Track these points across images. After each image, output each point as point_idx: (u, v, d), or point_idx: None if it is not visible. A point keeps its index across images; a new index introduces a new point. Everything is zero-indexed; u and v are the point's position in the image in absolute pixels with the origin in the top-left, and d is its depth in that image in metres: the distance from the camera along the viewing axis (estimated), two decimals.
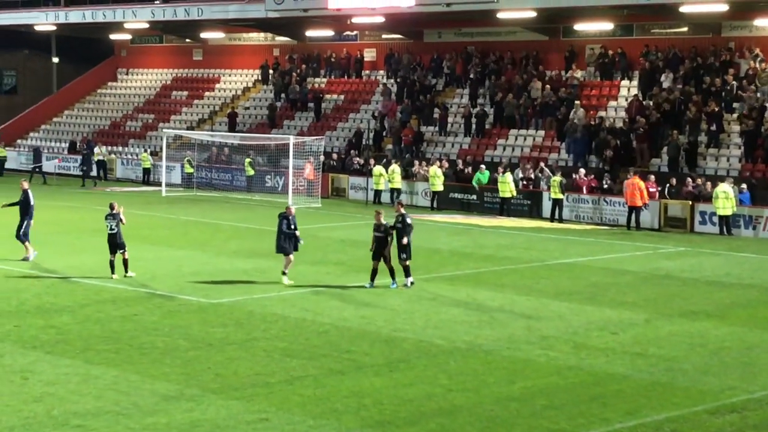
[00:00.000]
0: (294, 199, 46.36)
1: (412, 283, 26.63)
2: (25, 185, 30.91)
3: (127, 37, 69.94)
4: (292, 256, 26.89)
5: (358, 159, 51.27)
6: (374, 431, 15.39)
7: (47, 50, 74.97)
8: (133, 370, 18.30)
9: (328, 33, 60.55)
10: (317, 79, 61.51)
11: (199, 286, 26.30)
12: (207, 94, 65.85)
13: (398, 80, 56.80)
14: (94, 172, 56.90)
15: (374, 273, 26.43)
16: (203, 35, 66.10)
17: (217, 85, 66.27)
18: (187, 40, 68.31)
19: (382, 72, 59.55)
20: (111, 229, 26.85)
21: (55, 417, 15.66)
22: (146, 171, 56.58)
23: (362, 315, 23.34)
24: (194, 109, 64.78)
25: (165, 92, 68.26)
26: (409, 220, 26.92)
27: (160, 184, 52.54)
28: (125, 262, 27.10)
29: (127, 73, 72.22)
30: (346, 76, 61.03)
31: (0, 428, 15.06)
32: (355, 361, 19.37)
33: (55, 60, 74.29)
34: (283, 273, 26.87)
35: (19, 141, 67.80)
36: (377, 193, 47.69)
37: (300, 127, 57.77)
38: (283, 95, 60.81)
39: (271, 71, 63.22)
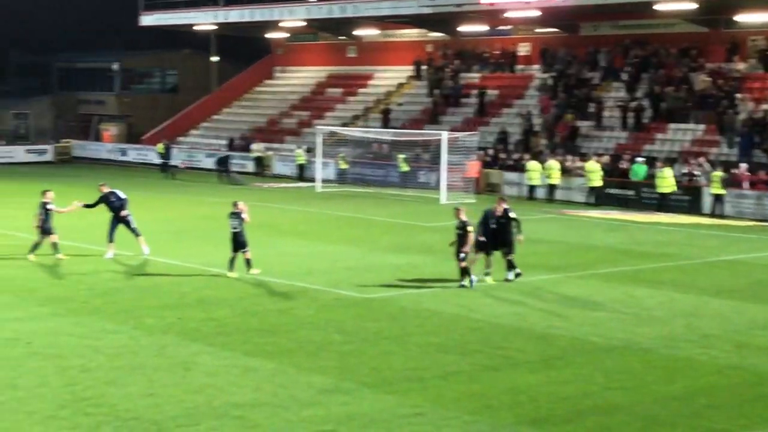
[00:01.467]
0: (448, 195, 46.38)
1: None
2: (105, 189, 30.24)
3: (284, 35, 71.08)
4: (491, 257, 26.56)
5: (513, 155, 50.95)
6: (530, 428, 15.25)
7: (207, 49, 76.79)
8: (290, 363, 18.55)
9: (482, 28, 60.33)
10: (470, 75, 61.37)
11: (353, 281, 26.49)
12: (361, 90, 66.40)
13: (553, 75, 56.20)
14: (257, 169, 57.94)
15: (465, 271, 26.02)
16: (357, 32, 66.69)
17: (371, 82, 66.75)
18: (342, 38, 69.05)
19: (536, 66, 59.08)
20: (234, 228, 26.84)
21: (216, 408, 15.99)
22: (301, 167, 57.37)
23: (516, 311, 23.18)
24: (348, 105, 65.40)
25: (320, 89, 69.12)
26: (513, 214, 26.68)
27: (314, 180, 53.19)
28: (248, 261, 27.03)
29: (283, 71, 73.41)
30: (499, 71, 60.72)
31: (163, 418, 15.46)
32: (510, 357, 19.23)
33: (215, 59, 76.02)
34: (487, 274, 26.60)
35: (180, 138, 69.55)
36: (531, 188, 47.32)
37: (453, 122, 57.72)
38: (436, 91, 60.84)
39: (424, 67, 63.35)
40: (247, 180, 56.26)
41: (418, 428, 15.14)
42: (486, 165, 51.15)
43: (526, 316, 22.76)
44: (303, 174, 56.99)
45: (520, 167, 48.98)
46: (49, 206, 28.99)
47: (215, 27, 69.20)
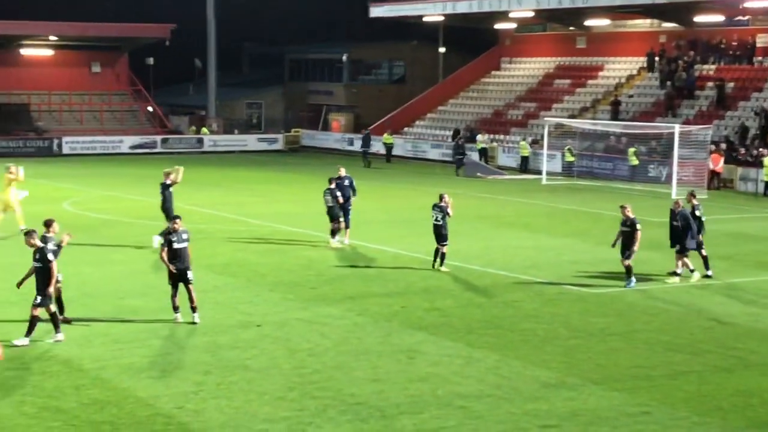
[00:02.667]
0: (678, 189, 45.10)
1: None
2: (342, 172, 31.15)
3: (512, 26, 70.75)
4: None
5: (751, 150, 49.08)
6: None
7: (434, 40, 77.25)
8: (514, 356, 18.42)
9: (718, 18, 58.33)
10: (706, 66, 59.50)
11: (579, 275, 26.06)
12: (590, 82, 65.40)
13: None
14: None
15: (629, 271, 24.68)
16: (587, 23, 65.68)
17: (601, 73, 65.65)
18: (571, 28, 68.17)
19: None
20: (436, 220, 26.40)
21: (439, 397, 16.03)
22: (524, 159, 56.98)
23: (749, 312, 22.32)
24: (576, 97, 64.54)
25: (547, 81, 68.47)
26: (698, 212, 25.79)
27: (538, 172, 52.72)
28: (442, 256, 26.49)
29: (510, 62, 73.07)
30: (736, 63, 58.60)
31: (387, 404, 15.60)
32: (742, 359, 18.55)
33: (442, 50, 76.39)
34: (692, 270, 25.81)
35: (405, 129, 70.26)
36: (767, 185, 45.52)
37: (686, 115, 56.10)
38: (669, 83, 59.26)
39: (656, 58, 61.85)
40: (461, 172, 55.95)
41: (645, 427, 14.78)
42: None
43: (759, 316, 21.89)
44: (527, 166, 56.59)
45: (757, 163, 47.14)
46: (336, 193, 29.71)
47: (443, 18, 69.52)
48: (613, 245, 25.16)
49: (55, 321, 18.92)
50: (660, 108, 57.97)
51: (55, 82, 72.94)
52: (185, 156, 65.56)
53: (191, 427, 14.57)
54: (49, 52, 73.96)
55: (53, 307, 18.93)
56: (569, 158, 53.99)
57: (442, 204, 26.52)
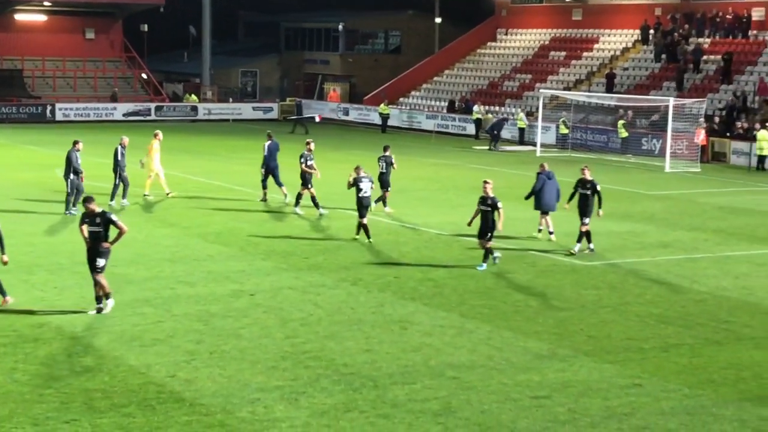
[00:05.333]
0: (672, 163, 45.17)
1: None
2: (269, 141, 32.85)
3: None
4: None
5: (742, 123, 49.07)
6: (753, 405, 14.71)
7: (431, 10, 76.97)
8: (506, 327, 18.47)
9: None
10: (701, 40, 59.36)
11: (573, 247, 26.05)
12: (585, 54, 65.25)
13: None
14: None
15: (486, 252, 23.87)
16: None
17: (596, 46, 65.50)
18: (567, 0, 67.94)
19: None
20: (382, 169, 29.99)
21: (432, 367, 16.07)
22: (521, 131, 56.91)
23: (743, 285, 22.36)
24: (571, 69, 64.41)
25: (543, 52, 68.29)
26: (599, 187, 25.57)
27: (534, 144, 52.69)
28: (384, 199, 30.26)
29: (506, 33, 72.84)
30: (731, 37, 58.48)
31: (380, 374, 15.64)
32: (734, 332, 18.62)
33: (438, 20, 76.10)
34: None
35: (401, 99, 70.10)
36: (761, 159, 45.52)
37: (681, 88, 55.96)
38: (663, 56, 59.14)
39: (651, 31, 61.70)
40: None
41: (636, 399, 14.83)
42: (714, 133, 49.45)
43: (753, 290, 21.94)
44: (523, 138, 56.54)
45: (750, 137, 47.14)
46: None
47: None
48: (468, 224, 24.31)
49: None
50: (654, 81, 57.88)
51: (48, 48, 72.59)
52: (180, 124, 65.40)
53: (183, 396, 14.59)
54: (42, 18, 73.59)
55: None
56: (564, 130, 53.94)
57: (387, 154, 30.43)
